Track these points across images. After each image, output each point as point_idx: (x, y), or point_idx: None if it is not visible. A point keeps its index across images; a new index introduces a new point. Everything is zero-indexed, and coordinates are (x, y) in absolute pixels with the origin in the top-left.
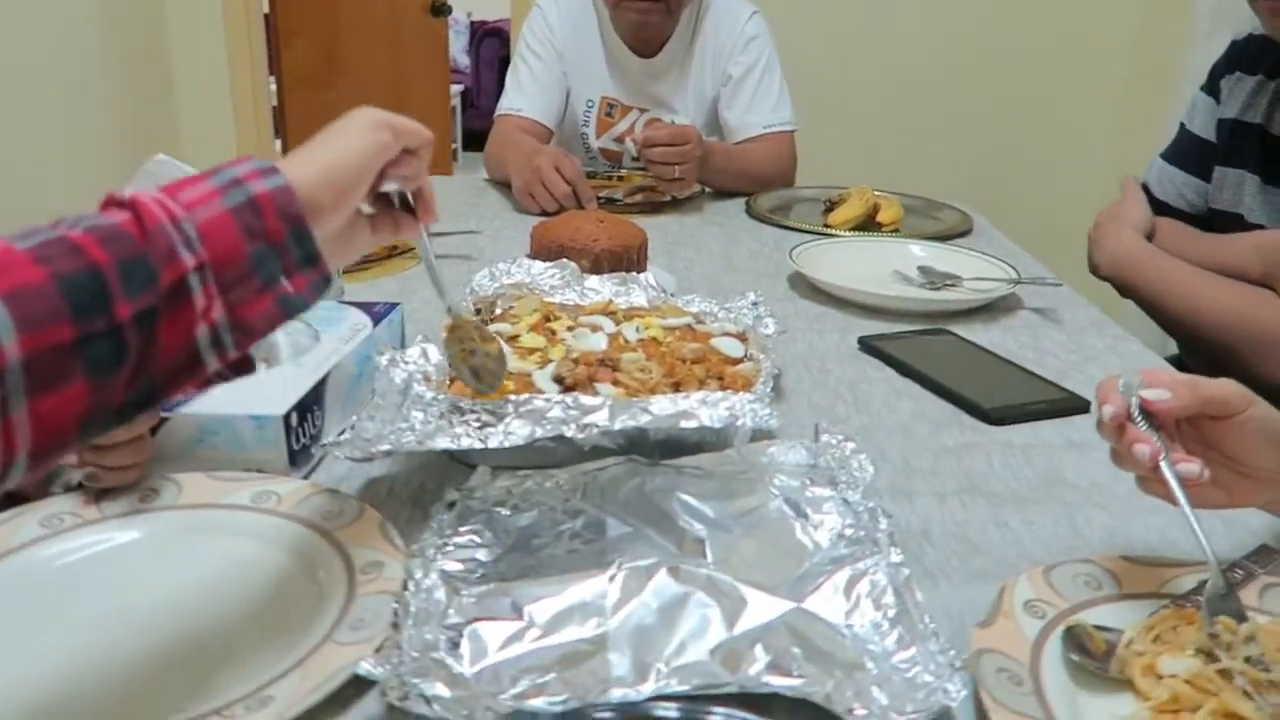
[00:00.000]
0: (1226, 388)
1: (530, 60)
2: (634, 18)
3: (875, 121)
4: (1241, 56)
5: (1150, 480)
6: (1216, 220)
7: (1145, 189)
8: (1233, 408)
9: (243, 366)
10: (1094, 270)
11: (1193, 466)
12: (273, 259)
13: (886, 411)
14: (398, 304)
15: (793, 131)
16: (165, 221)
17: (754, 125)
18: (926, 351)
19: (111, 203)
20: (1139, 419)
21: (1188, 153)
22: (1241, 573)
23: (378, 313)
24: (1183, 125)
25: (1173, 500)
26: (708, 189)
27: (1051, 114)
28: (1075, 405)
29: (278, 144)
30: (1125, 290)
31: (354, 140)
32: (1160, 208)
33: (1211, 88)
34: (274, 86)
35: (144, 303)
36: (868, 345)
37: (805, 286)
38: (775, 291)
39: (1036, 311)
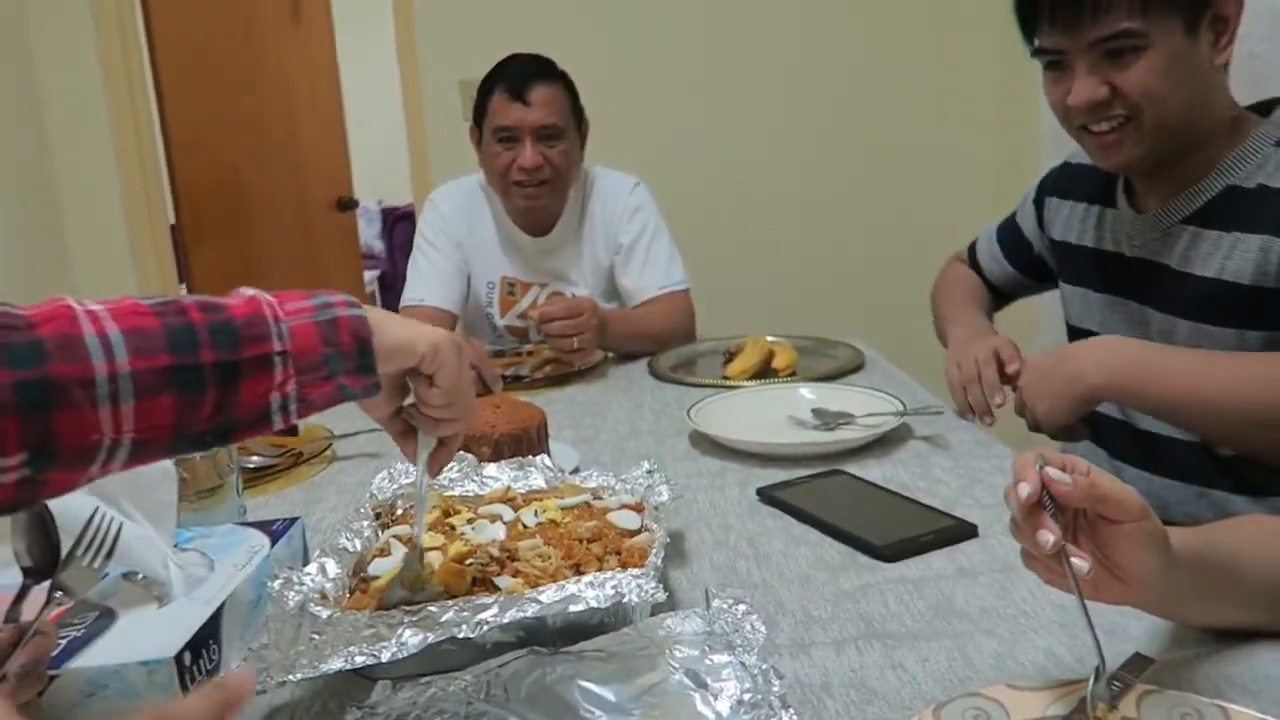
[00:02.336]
0: (1124, 493)
1: (429, 251)
2: (523, 203)
3: (769, 269)
4: (1057, 184)
5: (1036, 560)
6: (1078, 339)
7: (973, 251)
8: (1126, 514)
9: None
10: (1035, 426)
11: (1082, 564)
12: (339, 361)
13: (786, 562)
14: (298, 518)
15: (686, 289)
16: (269, 317)
17: (649, 288)
18: (822, 495)
19: (236, 292)
20: (1044, 496)
21: (1015, 248)
22: (1119, 684)
23: (275, 531)
24: (1015, 217)
25: (1055, 582)
26: (611, 354)
27: (924, 248)
28: (963, 532)
29: None
30: (1130, 400)
31: (431, 329)
32: (975, 267)
33: (1039, 203)
34: (184, 291)
35: (223, 355)
36: (766, 496)
37: (706, 443)
38: (677, 450)
39: (925, 440)
